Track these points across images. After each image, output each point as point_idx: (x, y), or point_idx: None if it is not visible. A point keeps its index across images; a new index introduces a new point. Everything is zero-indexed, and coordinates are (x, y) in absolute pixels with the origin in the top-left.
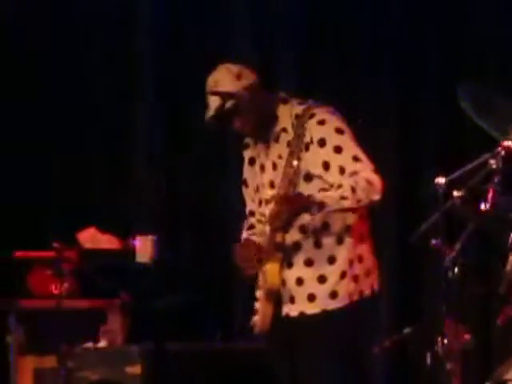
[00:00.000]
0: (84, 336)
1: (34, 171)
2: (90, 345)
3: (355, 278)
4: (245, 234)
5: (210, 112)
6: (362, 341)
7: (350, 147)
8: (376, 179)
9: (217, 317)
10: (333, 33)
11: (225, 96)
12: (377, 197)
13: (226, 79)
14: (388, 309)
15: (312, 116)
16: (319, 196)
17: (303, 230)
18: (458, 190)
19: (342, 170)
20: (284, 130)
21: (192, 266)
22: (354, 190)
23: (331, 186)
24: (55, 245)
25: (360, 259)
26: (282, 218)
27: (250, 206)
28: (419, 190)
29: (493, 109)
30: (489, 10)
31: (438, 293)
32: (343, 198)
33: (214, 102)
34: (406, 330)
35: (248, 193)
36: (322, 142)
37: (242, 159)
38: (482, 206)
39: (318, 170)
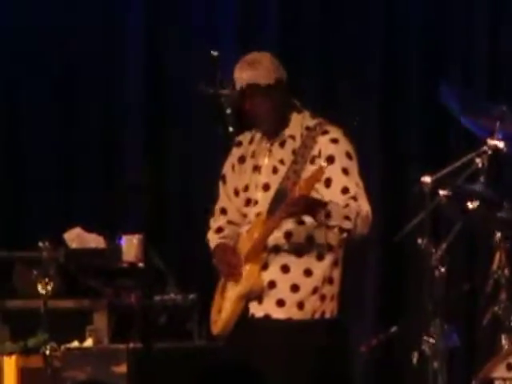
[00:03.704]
0: (70, 336)
1: (20, 170)
2: (76, 344)
3: (322, 298)
4: (215, 239)
5: (238, 84)
6: (319, 359)
7: (355, 174)
8: (371, 215)
9: (203, 316)
10: (316, 30)
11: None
12: (366, 231)
13: (266, 65)
14: (375, 307)
15: (325, 132)
16: (329, 206)
17: (287, 235)
18: (444, 188)
19: (344, 191)
20: (292, 137)
21: (178, 266)
22: (357, 215)
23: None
24: (41, 244)
25: (331, 281)
26: (301, 204)
27: (224, 203)
28: (409, 189)
29: (477, 109)
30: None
31: (425, 292)
32: (347, 218)
33: (246, 76)
34: (393, 329)
35: (225, 190)
36: (330, 159)
37: (226, 155)
38: (469, 206)
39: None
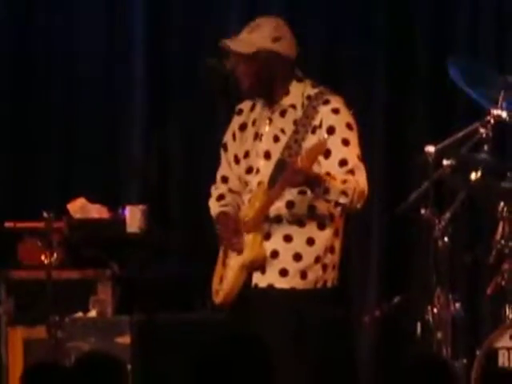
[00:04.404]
0: (74, 306)
1: (22, 141)
2: (79, 315)
3: (324, 267)
4: (216, 206)
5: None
6: (323, 327)
7: (355, 145)
8: (366, 190)
9: (206, 287)
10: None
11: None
12: (360, 206)
13: (264, 31)
14: (378, 278)
15: (326, 102)
16: (328, 182)
17: (289, 205)
18: (448, 158)
19: (343, 163)
20: (293, 106)
21: (181, 236)
22: (354, 190)
23: (327, 173)
24: (45, 215)
25: (332, 251)
26: (302, 175)
27: (225, 171)
28: (410, 159)
29: (482, 79)
30: None
31: (428, 262)
32: (344, 193)
33: (241, 44)
34: (396, 300)
35: (226, 158)
36: (331, 130)
37: (227, 124)
38: (473, 175)
39: None
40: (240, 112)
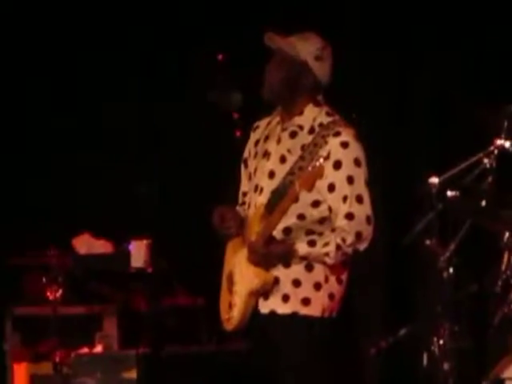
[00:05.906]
0: (80, 341)
1: (29, 177)
2: (85, 350)
3: (331, 297)
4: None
5: (271, 44)
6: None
7: (360, 183)
8: (366, 230)
9: (212, 320)
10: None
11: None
12: (363, 247)
13: (310, 47)
14: (383, 310)
15: (337, 134)
16: (304, 251)
17: (287, 232)
18: (452, 189)
19: (345, 199)
20: (300, 127)
21: (186, 270)
22: (339, 247)
23: (329, 207)
24: (50, 251)
25: (339, 281)
26: (260, 259)
27: (245, 186)
28: (414, 189)
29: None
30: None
31: (433, 293)
32: (327, 255)
33: (286, 44)
34: (402, 331)
35: (246, 174)
36: (337, 165)
37: (246, 140)
38: (477, 206)
39: (321, 185)
40: (256, 129)
